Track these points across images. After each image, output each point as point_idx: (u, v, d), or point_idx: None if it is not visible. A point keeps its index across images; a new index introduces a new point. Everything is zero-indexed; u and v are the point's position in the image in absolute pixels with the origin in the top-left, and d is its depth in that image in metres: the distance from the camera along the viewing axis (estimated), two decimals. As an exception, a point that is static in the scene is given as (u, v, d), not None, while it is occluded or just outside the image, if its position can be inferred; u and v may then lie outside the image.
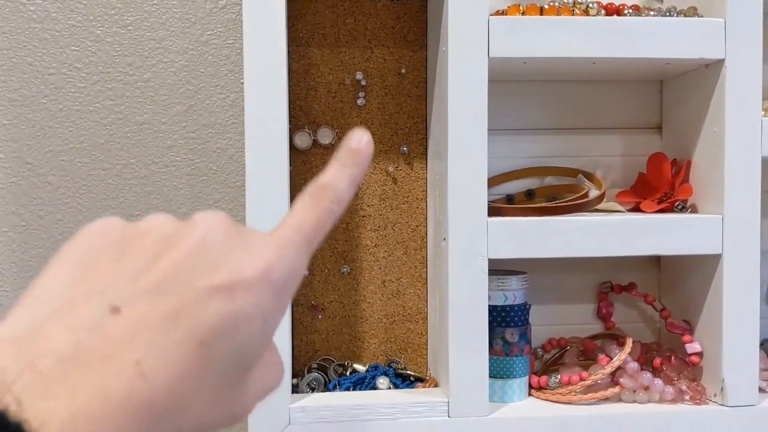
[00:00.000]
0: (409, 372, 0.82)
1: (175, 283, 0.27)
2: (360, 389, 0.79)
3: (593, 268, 0.88)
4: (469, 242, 0.71)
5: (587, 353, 0.84)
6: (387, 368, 0.81)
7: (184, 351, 0.26)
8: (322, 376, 0.80)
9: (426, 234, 0.85)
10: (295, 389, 0.78)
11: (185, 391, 0.26)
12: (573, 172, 0.84)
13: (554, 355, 0.86)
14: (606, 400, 0.77)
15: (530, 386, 0.79)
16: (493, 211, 0.74)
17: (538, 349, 0.86)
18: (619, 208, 0.81)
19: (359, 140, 0.34)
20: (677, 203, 0.78)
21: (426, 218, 0.84)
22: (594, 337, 0.86)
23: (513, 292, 0.78)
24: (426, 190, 0.84)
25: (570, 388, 0.76)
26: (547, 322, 0.88)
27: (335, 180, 0.33)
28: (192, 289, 0.27)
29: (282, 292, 0.30)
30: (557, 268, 0.87)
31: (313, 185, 0.33)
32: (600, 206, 0.81)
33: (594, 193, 0.79)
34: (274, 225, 0.32)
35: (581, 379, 0.76)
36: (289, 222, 0.32)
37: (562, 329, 0.88)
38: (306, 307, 0.84)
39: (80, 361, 0.24)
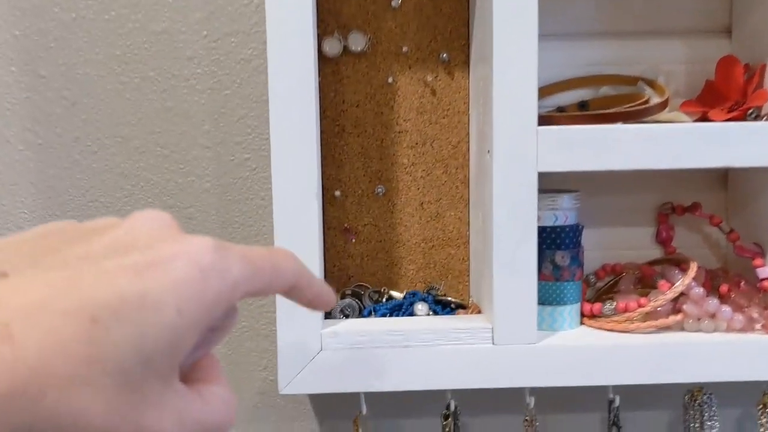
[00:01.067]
0: (449, 298, 0.76)
1: (81, 261, 0.25)
2: (397, 316, 0.73)
3: (652, 188, 0.80)
4: (517, 153, 0.64)
5: (645, 280, 0.77)
6: (426, 295, 0.76)
7: (69, 324, 0.23)
8: (356, 302, 0.75)
9: (468, 151, 0.78)
10: (328, 315, 0.72)
11: (69, 373, 0.22)
12: (632, 80, 0.76)
13: (608, 282, 0.79)
14: (667, 328, 0.70)
15: (582, 314, 0.73)
16: (543, 120, 0.67)
17: (591, 276, 0.79)
18: (684, 118, 0.73)
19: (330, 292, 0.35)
20: (751, 110, 0.70)
21: (468, 134, 0.77)
22: (653, 263, 0.79)
23: (564, 211, 0.71)
24: (468, 103, 0.77)
25: (627, 315, 0.70)
26: (601, 247, 0.80)
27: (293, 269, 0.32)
28: (96, 267, 0.25)
29: (210, 288, 0.26)
30: (613, 187, 0.80)
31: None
32: (662, 117, 0.73)
33: (656, 100, 0.71)
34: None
35: (639, 306, 0.69)
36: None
37: (617, 255, 0.80)
38: (338, 231, 0.78)
39: None
